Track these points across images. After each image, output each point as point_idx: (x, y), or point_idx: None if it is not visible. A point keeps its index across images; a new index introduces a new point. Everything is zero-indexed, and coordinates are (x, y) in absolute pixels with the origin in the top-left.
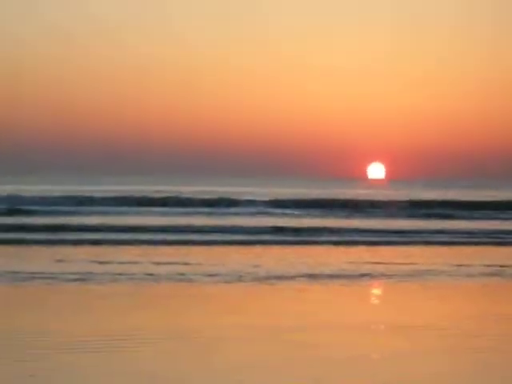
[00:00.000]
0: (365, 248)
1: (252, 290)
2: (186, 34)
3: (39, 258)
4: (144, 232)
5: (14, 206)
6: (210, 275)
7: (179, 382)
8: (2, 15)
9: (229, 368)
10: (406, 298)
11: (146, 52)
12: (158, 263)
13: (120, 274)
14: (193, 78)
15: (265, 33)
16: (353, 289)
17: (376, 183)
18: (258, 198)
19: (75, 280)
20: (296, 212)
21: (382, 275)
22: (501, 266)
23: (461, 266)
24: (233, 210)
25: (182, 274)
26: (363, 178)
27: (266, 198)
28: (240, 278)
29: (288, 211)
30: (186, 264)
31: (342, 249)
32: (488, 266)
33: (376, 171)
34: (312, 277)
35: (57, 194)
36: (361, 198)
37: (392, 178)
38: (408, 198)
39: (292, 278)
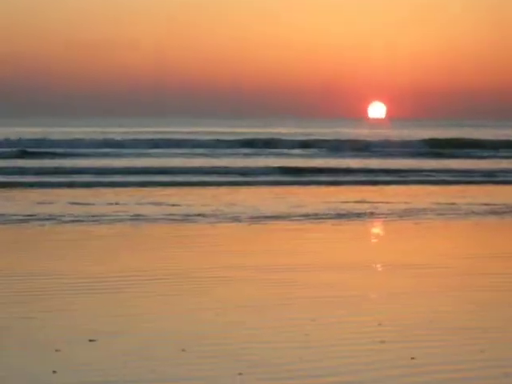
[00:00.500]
0: (360, 187)
1: (245, 229)
2: None
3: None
4: (136, 174)
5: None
6: (202, 215)
7: (173, 322)
8: None
9: (222, 308)
10: (401, 237)
11: None
12: (149, 204)
13: (111, 216)
14: (185, 13)
15: None
16: (348, 228)
17: (376, 122)
18: (254, 137)
19: (65, 222)
20: (292, 152)
21: (378, 214)
22: (495, 205)
23: (454, 204)
24: (229, 150)
25: (174, 215)
26: (364, 117)
27: (263, 137)
28: (233, 218)
29: (284, 151)
30: (177, 205)
31: (337, 188)
32: (484, 204)
33: (377, 110)
34: (307, 216)
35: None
36: (358, 137)
37: (393, 117)
38: (405, 138)
39: (287, 217)
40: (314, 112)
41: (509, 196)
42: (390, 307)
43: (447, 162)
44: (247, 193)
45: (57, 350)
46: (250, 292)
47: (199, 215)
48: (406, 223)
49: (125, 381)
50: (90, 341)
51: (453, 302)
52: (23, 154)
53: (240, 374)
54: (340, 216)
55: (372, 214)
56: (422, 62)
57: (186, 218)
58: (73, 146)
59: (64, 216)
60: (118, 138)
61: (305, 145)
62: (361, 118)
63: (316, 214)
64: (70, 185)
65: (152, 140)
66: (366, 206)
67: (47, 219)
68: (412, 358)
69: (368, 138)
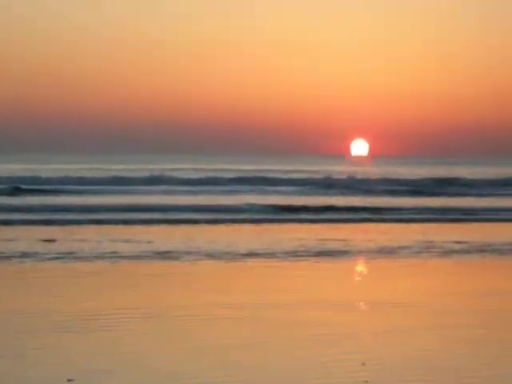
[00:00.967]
0: (340, 225)
1: (229, 267)
2: (165, 8)
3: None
4: (118, 211)
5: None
6: (188, 253)
7: (157, 361)
8: None
9: (204, 348)
10: (383, 275)
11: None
12: (135, 242)
13: (91, 253)
14: (171, 52)
15: (246, 7)
16: (328, 266)
17: (358, 160)
18: (233, 176)
19: (53, 259)
20: (273, 189)
21: (359, 252)
22: (474, 243)
23: (432, 242)
24: (208, 187)
25: (161, 253)
26: (346, 154)
27: (241, 175)
28: (216, 256)
29: (266, 188)
30: (152, 242)
31: (317, 226)
32: (459, 242)
33: (359, 148)
34: (287, 254)
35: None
36: (337, 175)
37: (375, 154)
38: (385, 176)
39: (267, 254)
40: (297, 149)
41: (489, 234)
42: (373, 346)
43: (427, 200)
44: (227, 230)
45: None
46: (232, 331)
47: (178, 252)
48: (386, 261)
49: None
50: (69, 381)
51: (437, 340)
52: (16, 191)
53: None
54: (320, 254)
55: (353, 252)
56: (403, 101)
57: (166, 254)
58: (62, 183)
59: (38, 254)
60: (107, 174)
61: (284, 183)
62: (343, 155)
63: (295, 252)
64: (48, 222)
65: (135, 178)
66: (346, 243)
67: (23, 256)
68: None
69: (348, 176)
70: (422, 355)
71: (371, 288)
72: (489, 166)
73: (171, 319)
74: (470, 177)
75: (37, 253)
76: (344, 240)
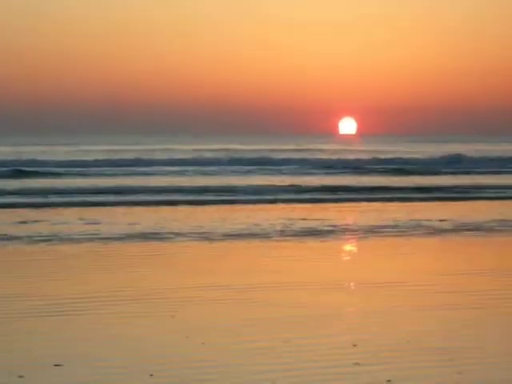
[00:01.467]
0: (328, 205)
1: (212, 248)
2: None
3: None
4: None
5: None
6: (169, 234)
7: (141, 345)
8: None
9: (192, 330)
10: (371, 255)
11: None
12: (116, 223)
13: (77, 235)
14: (160, 31)
15: None
16: (315, 246)
17: (346, 138)
18: (222, 156)
19: (34, 242)
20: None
21: (345, 232)
22: (465, 222)
23: (422, 221)
24: (194, 168)
25: (144, 234)
26: (334, 132)
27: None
28: (200, 237)
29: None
30: (137, 223)
31: (304, 206)
32: (445, 220)
33: (347, 126)
34: (272, 234)
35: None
36: (326, 155)
37: (363, 133)
38: (375, 155)
39: (252, 235)
40: (289, 129)
41: (480, 213)
42: (364, 327)
43: (415, 179)
44: (216, 211)
45: (20, 377)
46: (220, 313)
47: (167, 233)
48: (373, 241)
49: None
50: (56, 365)
51: (428, 321)
52: (18, 174)
53: None
54: (306, 234)
55: (339, 231)
56: (392, 79)
57: (154, 236)
58: (46, 165)
59: (29, 236)
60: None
61: (268, 162)
62: (331, 133)
63: (282, 231)
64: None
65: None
66: (332, 223)
67: (13, 239)
68: (388, 381)
69: (335, 156)
70: (414, 336)
71: (360, 268)
72: (480, 143)
73: (158, 302)
74: (470, 154)
75: (17, 236)
76: (330, 219)
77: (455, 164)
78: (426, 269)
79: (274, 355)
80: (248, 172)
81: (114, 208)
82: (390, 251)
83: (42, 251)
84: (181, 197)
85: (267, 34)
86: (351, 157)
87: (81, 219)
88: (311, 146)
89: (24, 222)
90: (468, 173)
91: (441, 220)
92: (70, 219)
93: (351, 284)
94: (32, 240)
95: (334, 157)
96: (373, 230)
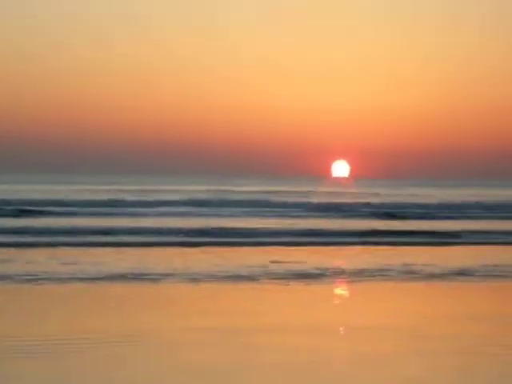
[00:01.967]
0: (320, 248)
1: (201, 289)
2: (153, 34)
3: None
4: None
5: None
6: (164, 275)
7: None
8: None
9: (180, 374)
10: (360, 299)
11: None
12: (101, 264)
13: (68, 275)
14: (159, 77)
15: (227, 32)
16: (305, 289)
17: (339, 181)
18: (212, 197)
19: (19, 281)
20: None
21: (335, 275)
22: (454, 267)
23: (410, 265)
24: (185, 209)
25: (137, 275)
26: (327, 175)
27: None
28: (189, 278)
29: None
30: (135, 266)
31: (296, 249)
32: (443, 265)
33: (340, 169)
34: (261, 277)
35: None
36: (316, 198)
37: (357, 176)
38: (368, 199)
39: (247, 278)
40: (280, 170)
41: (472, 257)
42: (353, 375)
43: (402, 224)
44: (203, 253)
45: None
46: (206, 356)
47: (161, 275)
48: (362, 285)
49: None
50: None
51: (423, 366)
52: (20, 213)
53: None
54: (296, 277)
55: (328, 275)
56: (388, 124)
57: (141, 276)
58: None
59: (18, 275)
60: (108, 197)
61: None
62: (324, 176)
63: (273, 274)
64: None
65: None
66: (323, 266)
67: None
68: None
69: (326, 199)
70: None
71: (350, 312)
72: (477, 187)
73: (144, 343)
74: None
75: (5, 275)
76: (321, 263)
77: (448, 209)
78: (416, 313)
79: None
80: (235, 214)
81: (100, 248)
82: (379, 295)
83: (22, 290)
84: (170, 238)
85: (261, 79)
86: (342, 200)
87: (62, 261)
88: (302, 189)
89: (9, 261)
90: (458, 218)
91: (429, 265)
92: (49, 260)
93: (340, 328)
94: (15, 279)
95: (325, 200)
96: (362, 274)
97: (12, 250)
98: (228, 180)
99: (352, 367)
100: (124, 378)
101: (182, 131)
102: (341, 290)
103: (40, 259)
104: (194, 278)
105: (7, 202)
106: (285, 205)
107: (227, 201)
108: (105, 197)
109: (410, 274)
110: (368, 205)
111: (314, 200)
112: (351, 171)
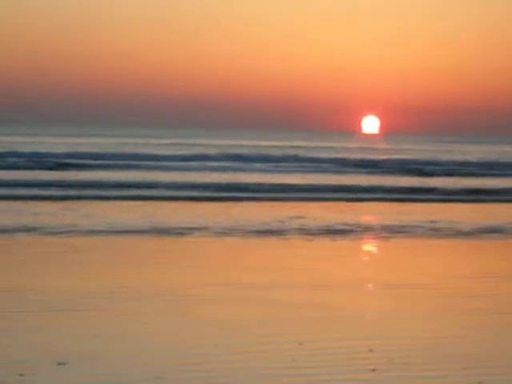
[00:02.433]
0: (347, 204)
1: (230, 244)
2: None
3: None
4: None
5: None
6: (189, 229)
7: (150, 345)
8: None
9: (203, 331)
10: (388, 256)
11: None
12: (130, 218)
13: (91, 227)
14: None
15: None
16: (333, 245)
17: (369, 137)
18: (239, 152)
19: (49, 233)
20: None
21: (363, 231)
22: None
23: (436, 222)
24: (217, 163)
25: (160, 229)
26: (357, 131)
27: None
28: (221, 233)
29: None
30: (159, 219)
31: (324, 205)
32: (470, 223)
33: (370, 124)
34: (292, 232)
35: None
36: (347, 154)
37: (386, 131)
38: (396, 155)
39: (272, 232)
40: (313, 126)
41: (499, 215)
42: (381, 331)
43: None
44: (240, 207)
45: (20, 375)
46: (234, 312)
47: (187, 229)
48: (391, 242)
49: None
50: (59, 364)
51: (447, 326)
52: (57, 166)
53: None
54: (324, 232)
55: (357, 231)
56: (416, 77)
57: (174, 231)
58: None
59: (40, 228)
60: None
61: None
62: (354, 132)
63: (304, 230)
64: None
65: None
66: (349, 222)
67: (21, 231)
68: None
69: (356, 156)
70: (432, 343)
71: (378, 269)
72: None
73: (168, 299)
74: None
75: (34, 227)
76: (346, 219)
77: (483, 166)
78: (447, 271)
79: (288, 358)
80: (266, 169)
81: (128, 202)
82: (408, 253)
83: (52, 243)
84: (198, 193)
85: (286, 30)
86: (371, 156)
87: (89, 214)
88: (332, 144)
89: (34, 213)
90: (497, 175)
91: (458, 222)
92: (76, 213)
93: (369, 285)
94: (44, 232)
95: (354, 156)
96: (391, 230)
97: (47, 203)
98: (260, 135)
99: (379, 325)
100: (149, 331)
101: (223, 86)
102: (369, 246)
103: (68, 212)
104: (220, 232)
105: (44, 156)
106: (315, 160)
107: (258, 156)
108: (139, 150)
109: (438, 231)
110: (399, 161)
111: (344, 156)
112: (381, 126)
